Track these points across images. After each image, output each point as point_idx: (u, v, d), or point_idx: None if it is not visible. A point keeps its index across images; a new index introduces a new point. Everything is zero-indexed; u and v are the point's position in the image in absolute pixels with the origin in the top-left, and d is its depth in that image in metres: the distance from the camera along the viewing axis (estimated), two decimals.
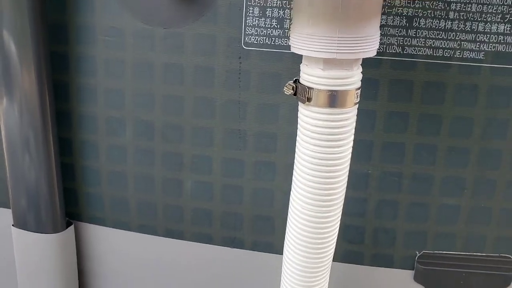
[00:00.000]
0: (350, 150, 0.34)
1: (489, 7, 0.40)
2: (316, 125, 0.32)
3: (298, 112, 0.34)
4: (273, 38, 0.42)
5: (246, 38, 0.42)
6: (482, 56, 0.41)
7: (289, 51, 0.41)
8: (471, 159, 0.43)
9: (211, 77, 0.44)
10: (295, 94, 0.33)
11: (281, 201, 0.46)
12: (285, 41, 0.42)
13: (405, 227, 0.45)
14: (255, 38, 0.42)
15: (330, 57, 0.30)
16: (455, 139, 0.43)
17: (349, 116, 0.32)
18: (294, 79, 0.34)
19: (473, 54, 0.41)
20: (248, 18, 0.42)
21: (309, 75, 0.32)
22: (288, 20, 0.42)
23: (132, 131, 0.46)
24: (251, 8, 0.42)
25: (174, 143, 0.46)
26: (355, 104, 0.33)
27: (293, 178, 0.35)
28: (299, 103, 0.33)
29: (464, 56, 0.41)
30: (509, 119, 0.42)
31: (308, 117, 0.32)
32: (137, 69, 0.44)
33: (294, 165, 0.35)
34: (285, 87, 0.33)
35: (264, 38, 0.42)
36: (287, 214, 0.44)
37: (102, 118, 0.46)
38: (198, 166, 0.46)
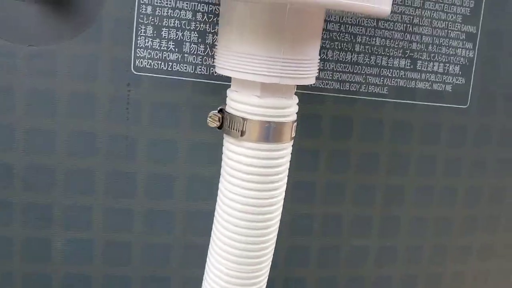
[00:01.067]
0: (284, 191, 0.29)
1: (392, 41, 0.40)
2: (251, 164, 0.26)
3: (224, 149, 0.28)
4: (170, 63, 0.36)
5: (137, 62, 0.35)
6: (386, 91, 0.40)
7: (189, 79, 0.35)
8: (377, 196, 0.42)
9: (92, 107, 0.35)
10: (220, 127, 0.27)
11: (179, 258, 0.38)
12: (184, 67, 0.36)
13: (316, 274, 0.41)
14: (148, 62, 0.36)
15: (272, 82, 0.25)
16: (363, 176, 0.41)
17: (287, 152, 0.27)
18: (218, 108, 0.28)
19: (378, 89, 0.40)
20: (139, 38, 0.35)
21: (241, 104, 0.26)
22: (187, 43, 0.36)
23: None
24: (142, 27, 0.35)
25: (40, 191, 0.36)
26: (292, 138, 0.28)
27: (215, 230, 0.29)
28: (226, 138, 0.28)
29: (369, 91, 0.40)
30: (410, 154, 0.42)
31: (240, 155, 0.27)
32: None
33: (216, 214, 0.29)
34: (208, 119, 0.27)
35: (159, 62, 0.36)
36: (186, 273, 0.37)
37: None
38: (74, 220, 0.36)
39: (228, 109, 0.27)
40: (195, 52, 0.36)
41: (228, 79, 0.35)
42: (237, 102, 0.27)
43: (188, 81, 0.36)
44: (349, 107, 0.40)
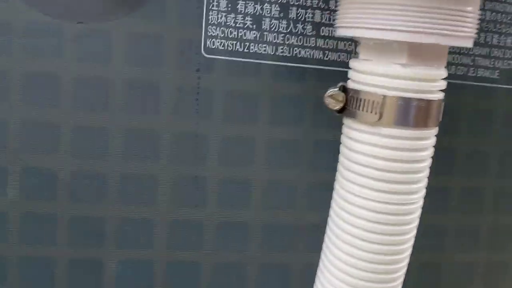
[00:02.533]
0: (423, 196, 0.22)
1: (503, 16, 0.33)
2: (390, 158, 0.20)
3: (345, 139, 0.21)
4: (247, 43, 0.29)
5: (208, 42, 0.29)
6: (497, 75, 0.34)
7: (269, 62, 0.29)
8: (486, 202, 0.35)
9: (154, 98, 0.29)
10: (341, 111, 0.21)
11: (255, 279, 0.31)
12: (263, 47, 0.30)
13: None
14: (221, 42, 0.29)
15: (428, 42, 0.18)
16: (469, 179, 0.34)
17: (432, 142, 0.21)
18: (339, 85, 0.21)
19: (487, 73, 0.33)
20: (211, 14, 0.29)
21: (379, 76, 0.19)
22: (267, 19, 0.29)
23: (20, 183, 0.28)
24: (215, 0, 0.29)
25: (89, 202, 0.29)
26: (437, 124, 0.21)
27: (330, 245, 0.22)
28: (351, 124, 0.21)
29: (478, 75, 0.33)
30: None
31: (375, 146, 0.20)
32: (32, 84, 0.28)
33: (332, 224, 0.22)
34: (328, 98, 0.21)
35: (234, 42, 0.29)
36: None
37: None
38: (132, 236, 0.30)
39: (354, 85, 0.21)
40: (275, 29, 0.30)
41: (315, 60, 0.28)
42: (373, 75, 0.20)
43: (268, 65, 0.30)
44: (454, 94, 0.33)
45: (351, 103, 0.21)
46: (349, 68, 0.22)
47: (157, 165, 0.29)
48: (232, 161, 0.30)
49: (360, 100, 0.20)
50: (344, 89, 0.21)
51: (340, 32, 0.21)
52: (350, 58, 0.30)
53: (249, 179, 0.30)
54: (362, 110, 0.20)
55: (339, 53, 0.30)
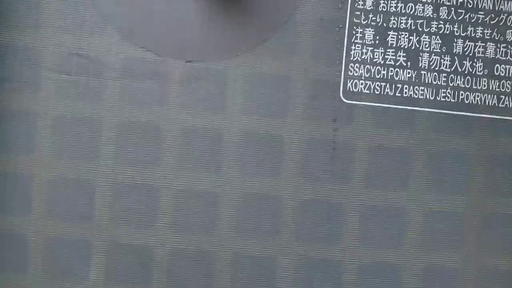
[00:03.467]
0: None
1: None
2: None
3: None
4: (399, 85, 0.22)
5: (349, 84, 0.22)
6: None
7: (427, 109, 0.22)
8: None
9: (276, 156, 0.22)
10: None
11: None
12: (420, 90, 0.22)
13: None
14: (366, 84, 0.22)
15: None
16: None
17: None
18: None
19: None
20: (353, 48, 0.22)
21: None
22: (426, 54, 0.23)
23: None
24: (359, 30, 0.22)
25: None
26: None
27: None
28: None
29: None
30: None
31: None
32: (127, 138, 0.22)
33: None
34: None
35: (383, 84, 0.22)
36: None
37: None
38: None
39: None
40: (436, 67, 0.23)
41: (487, 108, 0.21)
42: None
43: (424, 113, 0.23)
44: None
45: None
46: None
47: (277, 241, 0.22)
48: (377, 242, 0.22)
49: None
50: None
51: None
52: None
53: (397, 264, 0.23)
54: None
55: None
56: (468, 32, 0.23)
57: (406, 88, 0.23)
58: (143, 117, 0.22)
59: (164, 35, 0.22)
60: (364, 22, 0.22)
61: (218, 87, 0.22)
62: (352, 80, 0.22)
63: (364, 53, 0.22)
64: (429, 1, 0.22)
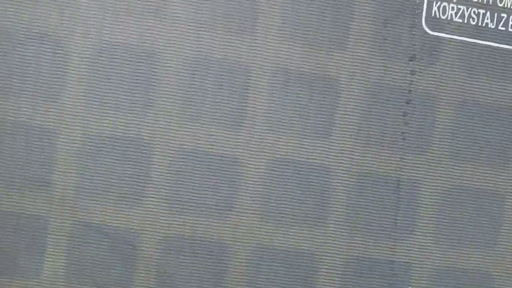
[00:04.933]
0: None
1: None
2: None
3: None
4: (503, 14, 0.16)
5: (434, 8, 0.15)
6: None
7: None
8: None
9: (326, 106, 0.15)
10: None
11: None
12: None
13: None
14: (458, 8, 0.15)
15: None
16: None
17: None
18: None
19: None
20: None
21: None
22: None
23: None
24: None
25: None
26: None
27: None
28: None
29: None
30: None
31: None
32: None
33: None
34: None
35: (481, 12, 0.16)
36: None
37: None
38: None
39: None
40: None
41: None
42: None
43: None
44: None
45: None
46: None
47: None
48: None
49: None
50: None
51: None
52: None
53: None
54: None
55: None
56: None
57: None
58: (127, 131, 0.14)
59: None
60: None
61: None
62: (439, 2, 0.15)
63: None
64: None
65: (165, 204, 0.14)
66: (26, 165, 0.14)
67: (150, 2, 0.14)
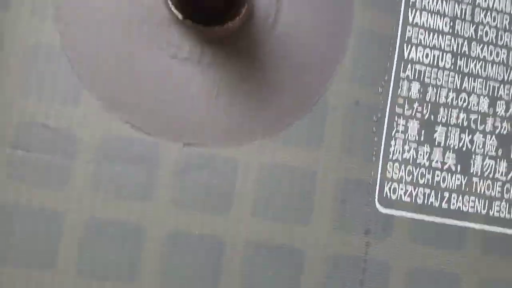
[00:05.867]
0: None
1: None
2: None
3: None
4: (446, 193, 0.18)
5: (386, 188, 0.18)
6: None
7: (474, 226, 0.17)
8: None
9: (292, 275, 0.17)
10: None
11: None
12: (470, 203, 0.18)
13: None
14: (405, 189, 0.18)
15: None
16: None
17: None
18: None
19: None
20: (394, 143, 0.18)
21: None
22: (478, 161, 0.18)
23: None
24: (401, 121, 0.18)
25: None
26: None
27: None
28: None
29: None
30: None
31: None
32: (106, 240, 0.16)
33: None
34: None
35: (427, 192, 0.18)
36: None
37: None
38: None
39: None
40: (490, 175, 0.19)
41: None
42: None
43: (471, 232, 0.18)
44: None
45: None
46: None
47: None
48: None
49: None
50: None
51: None
52: None
53: None
54: None
55: None
56: None
57: (454, 198, 0.18)
58: (122, 215, 0.16)
59: (156, 110, 0.17)
60: (408, 113, 0.18)
61: (224, 180, 0.17)
62: (390, 183, 0.18)
63: (406, 151, 0.18)
64: (485, 93, 0.19)
65: None
66: None
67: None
